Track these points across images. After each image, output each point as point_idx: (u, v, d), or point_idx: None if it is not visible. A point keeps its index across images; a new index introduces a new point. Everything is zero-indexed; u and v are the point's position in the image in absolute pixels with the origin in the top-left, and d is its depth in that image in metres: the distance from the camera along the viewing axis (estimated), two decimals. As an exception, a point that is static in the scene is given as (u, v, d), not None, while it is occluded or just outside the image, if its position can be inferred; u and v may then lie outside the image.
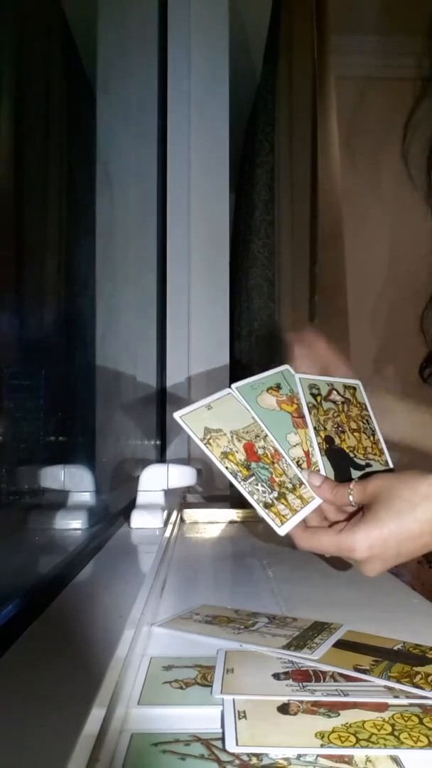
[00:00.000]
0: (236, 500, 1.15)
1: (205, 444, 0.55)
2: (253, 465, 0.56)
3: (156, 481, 0.91)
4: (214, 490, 1.31)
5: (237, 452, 0.56)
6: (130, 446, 1.40)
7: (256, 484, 0.55)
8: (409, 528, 0.50)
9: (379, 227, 2.43)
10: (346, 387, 0.67)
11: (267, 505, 0.54)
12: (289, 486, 0.57)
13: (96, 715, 0.31)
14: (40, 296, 0.96)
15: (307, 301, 1.76)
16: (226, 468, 0.55)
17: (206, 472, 1.33)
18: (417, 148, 0.75)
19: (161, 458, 1.44)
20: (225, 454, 0.55)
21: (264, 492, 0.55)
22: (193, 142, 1.51)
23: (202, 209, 1.52)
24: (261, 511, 0.54)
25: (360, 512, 0.54)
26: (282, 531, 0.54)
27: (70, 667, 0.36)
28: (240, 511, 1.07)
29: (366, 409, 0.67)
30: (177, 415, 0.56)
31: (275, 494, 0.56)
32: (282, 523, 0.54)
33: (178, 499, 1.16)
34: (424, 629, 0.52)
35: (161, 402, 1.45)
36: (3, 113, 0.81)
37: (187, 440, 1.43)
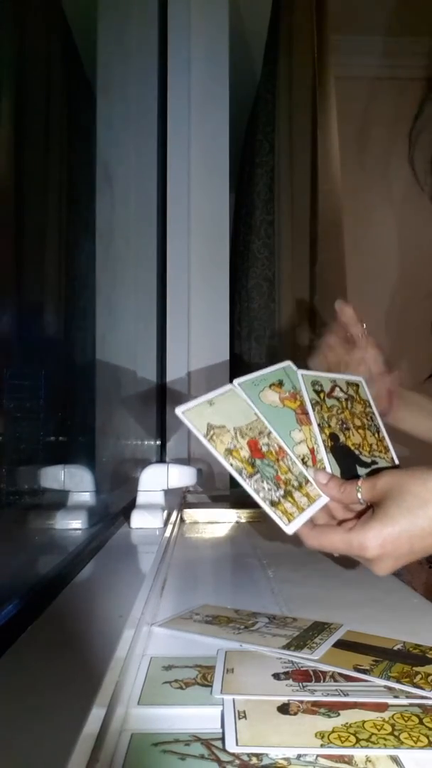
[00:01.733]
0: (236, 500, 1.15)
1: (208, 440, 0.54)
2: (258, 462, 0.55)
3: (156, 481, 0.91)
4: (214, 490, 1.31)
5: (241, 449, 0.55)
6: (130, 446, 1.40)
7: (262, 482, 0.54)
8: (422, 525, 0.49)
9: (388, 228, 2.44)
10: (349, 384, 0.66)
11: (273, 503, 0.53)
12: (295, 484, 0.56)
13: (96, 715, 0.31)
14: (40, 296, 0.96)
15: (307, 301, 1.76)
16: (231, 465, 0.54)
17: (206, 471, 1.33)
18: (423, 152, 0.75)
19: (161, 458, 1.44)
20: (229, 451, 0.54)
21: (270, 490, 0.54)
22: (193, 142, 1.52)
23: (202, 209, 1.52)
24: (268, 510, 0.53)
25: (370, 510, 0.53)
26: (290, 530, 0.53)
27: (70, 667, 0.36)
28: (240, 511, 1.07)
29: (369, 406, 0.66)
30: (179, 411, 0.55)
31: (281, 492, 0.55)
32: (289, 522, 0.53)
33: (178, 499, 1.16)
34: (424, 629, 0.52)
35: (161, 402, 1.45)
36: (3, 113, 0.81)
37: (188, 439, 1.43)
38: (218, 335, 1.51)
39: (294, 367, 0.64)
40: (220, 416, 0.56)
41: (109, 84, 1.33)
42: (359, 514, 0.56)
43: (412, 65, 0.79)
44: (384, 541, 0.50)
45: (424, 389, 0.86)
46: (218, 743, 0.33)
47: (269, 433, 0.58)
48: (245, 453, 0.55)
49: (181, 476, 0.92)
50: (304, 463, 0.58)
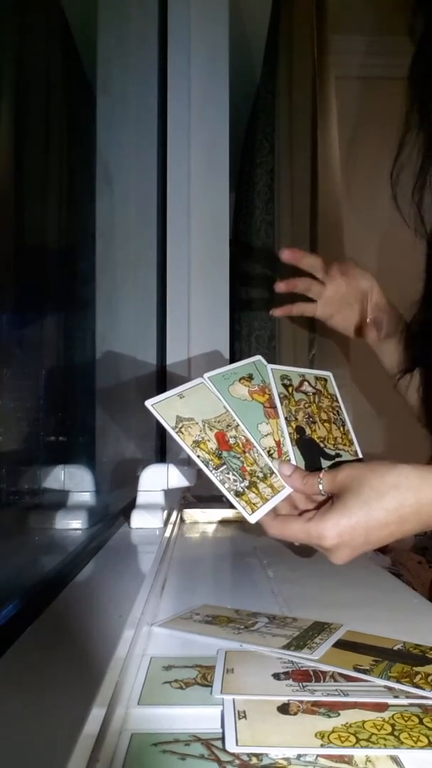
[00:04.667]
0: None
1: (176, 432, 0.56)
2: (225, 454, 0.57)
3: (156, 481, 0.91)
4: (214, 490, 1.31)
5: (209, 441, 0.57)
6: (130, 446, 1.40)
7: (228, 473, 0.56)
8: (377, 517, 0.51)
9: (379, 229, 2.43)
10: (317, 378, 0.69)
11: (238, 494, 0.55)
12: (260, 475, 0.58)
13: (96, 715, 0.31)
14: (39, 296, 0.96)
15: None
16: (198, 456, 0.55)
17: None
18: (404, 189, 0.77)
19: (161, 458, 1.43)
20: (197, 443, 0.56)
21: (235, 481, 0.56)
22: (193, 142, 1.51)
23: (202, 209, 1.52)
24: (232, 500, 0.55)
25: (329, 501, 0.55)
26: (252, 519, 0.55)
27: (70, 667, 0.36)
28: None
29: (336, 400, 0.69)
30: (149, 403, 0.57)
31: (246, 483, 0.56)
32: (253, 511, 0.55)
33: (178, 499, 1.16)
34: (424, 629, 0.52)
35: (161, 402, 1.45)
36: (3, 113, 0.81)
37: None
38: (218, 335, 1.51)
39: (264, 362, 0.66)
40: (190, 409, 0.58)
41: (109, 84, 1.33)
42: (320, 505, 0.57)
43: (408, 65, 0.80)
44: (341, 531, 0.52)
45: (395, 386, 0.89)
46: (218, 743, 0.33)
47: (237, 426, 0.59)
48: (213, 445, 0.57)
49: (181, 476, 0.92)
50: (269, 455, 0.60)
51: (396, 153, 0.75)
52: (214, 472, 0.55)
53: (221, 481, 0.55)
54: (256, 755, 0.32)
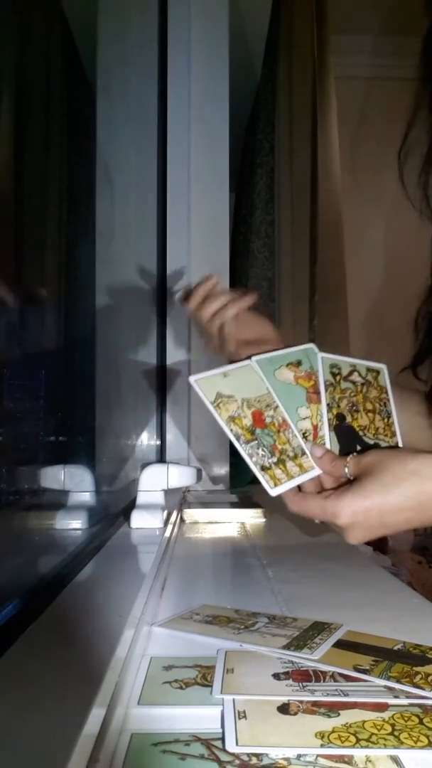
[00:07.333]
0: (236, 500, 1.15)
1: (214, 407, 0.57)
2: (258, 431, 0.58)
3: (156, 481, 0.91)
4: (214, 490, 1.31)
5: (244, 418, 0.58)
6: (130, 446, 1.40)
7: (257, 448, 0.57)
8: (393, 501, 0.52)
9: (378, 229, 2.43)
10: (369, 370, 0.68)
11: (264, 468, 0.57)
12: (291, 454, 0.59)
13: (96, 715, 0.31)
14: (40, 296, 0.96)
15: (307, 301, 1.76)
16: (231, 430, 0.57)
17: (206, 472, 1.32)
18: (411, 171, 0.76)
19: (161, 458, 1.44)
20: (232, 418, 0.57)
21: (263, 456, 0.57)
22: (193, 142, 1.52)
23: (202, 209, 1.52)
24: (257, 473, 0.56)
25: (349, 482, 0.57)
26: (273, 492, 0.56)
27: (70, 668, 0.36)
28: (241, 511, 1.07)
29: (386, 392, 0.68)
30: (192, 379, 0.58)
31: (274, 459, 0.58)
32: (275, 485, 0.57)
33: (178, 499, 1.16)
34: (424, 629, 0.52)
35: (161, 402, 1.45)
36: (3, 113, 0.81)
37: (187, 440, 1.43)
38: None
39: (316, 350, 0.66)
40: (231, 387, 0.59)
41: (109, 84, 1.33)
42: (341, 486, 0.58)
43: (408, 64, 0.79)
44: (355, 511, 0.53)
45: (402, 380, 0.88)
46: (218, 743, 0.33)
47: (276, 407, 0.60)
48: (248, 422, 0.58)
49: (181, 476, 0.92)
50: (304, 437, 0.61)
51: (405, 133, 0.74)
52: (243, 446, 0.56)
53: (249, 454, 0.56)
54: (256, 755, 0.32)
